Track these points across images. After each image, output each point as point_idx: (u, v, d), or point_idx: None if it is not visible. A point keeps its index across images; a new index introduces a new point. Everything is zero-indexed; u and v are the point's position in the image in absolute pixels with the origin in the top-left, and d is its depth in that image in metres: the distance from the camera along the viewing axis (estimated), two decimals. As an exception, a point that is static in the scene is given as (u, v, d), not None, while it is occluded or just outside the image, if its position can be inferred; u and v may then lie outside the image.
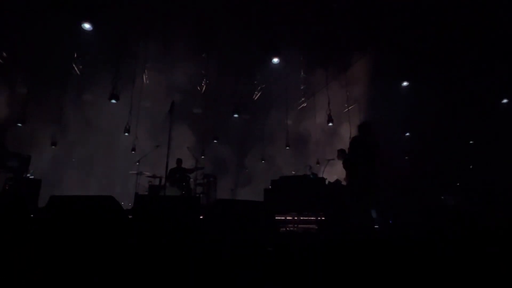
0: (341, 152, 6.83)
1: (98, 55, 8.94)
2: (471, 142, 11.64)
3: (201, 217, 3.73)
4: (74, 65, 9.80)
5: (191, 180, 8.12)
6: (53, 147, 10.11)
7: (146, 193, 7.55)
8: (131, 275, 1.99)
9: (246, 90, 11.28)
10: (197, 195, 7.80)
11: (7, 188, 6.21)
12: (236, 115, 9.84)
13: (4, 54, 9.15)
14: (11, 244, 2.08)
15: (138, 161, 7.95)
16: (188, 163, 8.29)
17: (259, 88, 11.38)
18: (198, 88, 11.02)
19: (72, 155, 10.75)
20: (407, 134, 11.38)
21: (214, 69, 10.17)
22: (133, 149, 9.60)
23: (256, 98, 11.76)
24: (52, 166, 9.96)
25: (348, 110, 10.65)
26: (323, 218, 6.34)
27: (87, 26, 6.63)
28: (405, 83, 9.76)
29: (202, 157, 11.15)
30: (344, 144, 9.42)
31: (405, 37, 8.27)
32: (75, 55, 9.55)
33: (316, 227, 6.37)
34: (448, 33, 7.95)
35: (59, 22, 7.84)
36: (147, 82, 10.59)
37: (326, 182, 6.94)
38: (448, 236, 4.85)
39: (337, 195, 6.93)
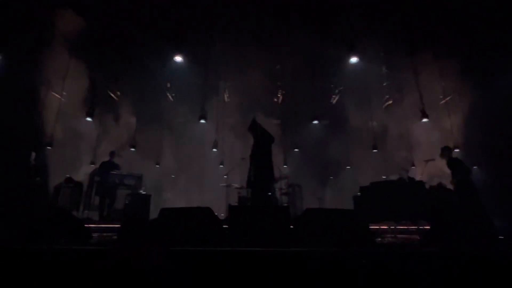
0: (445, 150, 5.91)
1: (187, 82, 10.02)
2: None
3: (291, 226, 3.71)
4: (167, 93, 11.26)
5: (276, 190, 8.23)
6: (157, 166, 11.71)
7: (236, 204, 7.96)
8: (227, 281, 2.08)
9: (324, 95, 11.00)
10: (284, 205, 7.83)
11: (126, 202, 7.44)
12: (315, 122, 9.65)
13: (118, 93, 11.19)
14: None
15: (227, 174, 8.50)
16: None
17: (337, 91, 10.95)
18: (275, 99, 11.27)
19: (171, 172, 12.25)
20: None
21: (289, 78, 10.27)
22: (221, 163, 10.35)
23: (334, 101, 11.34)
24: (157, 182, 11.54)
25: (445, 101, 9.26)
26: (427, 227, 5.58)
27: (178, 59, 7.52)
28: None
29: (285, 166, 11.24)
30: (445, 140, 8.20)
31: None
32: (168, 85, 10.99)
33: (419, 238, 5.64)
34: None
35: (155, 58, 9.22)
36: (229, 100, 11.38)
37: (427, 186, 6.11)
38: None
39: (443, 201, 6.02)
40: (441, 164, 6.39)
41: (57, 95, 9.54)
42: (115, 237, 4.32)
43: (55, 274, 2.13)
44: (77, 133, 10.05)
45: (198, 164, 12.09)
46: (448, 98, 9.54)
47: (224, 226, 3.53)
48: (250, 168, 4.93)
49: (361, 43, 7.94)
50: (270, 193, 7.82)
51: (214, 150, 10.19)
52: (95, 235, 4.64)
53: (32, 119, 8.41)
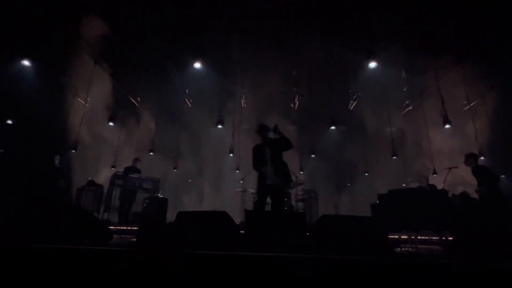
0: (470, 157, 5.68)
1: (205, 88, 10.20)
2: None
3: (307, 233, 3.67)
4: (186, 99, 11.50)
5: (292, 196, 8.17)
6: (175, 170, 11.93)
7: (251, 209, 7.96)
8: (242, 286, 2.08)
9: (341, 100, 10.87)
10: (300, 211, 7.75)
11: (145, 206, 7.62)
12: (333, 127, 9.55)
13: (139, 99, 11.54)
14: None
15: (242, 179, 8.53)
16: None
17: (354, 96, 10.80)
18: (292, 105, 11.26)
19: (188, 176, 12.44)
20: None
21: (306, 83, 10.24)
22: (237, 169, 10.40)
23: (352, 107, 11.18)
24: (175, 186, 11.74)
25: (469, 107, 8.92)
26: (450, 238, 5.36)
27: (197, 65, 7.68)
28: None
29: (301, 172, 11.15)
30: (469, 147, 7.88)
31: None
32: (186, 91, 11.22)
33: (441, 249, 5.43)
34: None
35: (174, 64, 9.46)
36: (245, 106, 11.48)
37: (450, 195, 5.87)
38: None
39: (467, 210, 5.77)
40: (465, 172, 6.13)
41: (81, 101, 9.98)
42: (134, 239, 4.43)
43: (69, 274, 2.20)
44: (100, 138, 10.43)
45: (214, 169, 12.22)
46: (472, 104, 9.19)
47: (241, 232, 3.54)
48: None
49: (380, 47, 7.81)
50: (285, 199, 7.80)
51: (231, 155, 10.28)
52: (115, 236, 4.77)
53: (58, 124, 8.82)
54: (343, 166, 12.19)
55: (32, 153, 7.16)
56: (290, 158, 10.45)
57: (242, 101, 11.34)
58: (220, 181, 12.03)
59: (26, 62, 7.50)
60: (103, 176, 9.17)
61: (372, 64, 7.44)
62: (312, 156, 11.39)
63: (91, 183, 7.64)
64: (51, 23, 7.35)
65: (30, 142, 7.61)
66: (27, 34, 7.39)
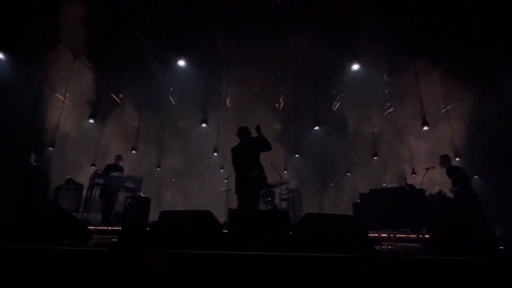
0: (445, 159, 5.93)
1: (189, 86, 10.09)
2: None
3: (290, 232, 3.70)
4: (170, 97, 11.33)
5: (276, 195, 8.23)
6: (158, 169, 11.73)
7: (235, 208, 7.94)
8: (225, 285, 2.09)
9: (325, 101, 11.05)
10: (283, 210, 7.81)
11: (126, 205, 7.45)
12: (316, 128, 9.69)
13: (121, 95, 11.26)
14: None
15: (227, 179, 8.51)
16: (271, 179, 8.47)
17: (338, 97, 11.00)
18: (276, 105, 11.33)
19: (172, 175, 12.27)
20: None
21: (291, 83, 10.33)
22: (222, 168, 10.36)
23: (335, 108, 11.39)
24: (158, 185, 11.55)
25: (446, 110, 9.28)
26: (426, 236, 5.56)
27: (181, 63, 7.58)
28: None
29: (285, 172, 11.25)
30: (446, 149, 8.20)
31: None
32: (171, 89, 11.05)
33: (418, 246, 5.62)
34: None
35: (158, 62, 9.30)
36: (230, 105, 11.45)
37: (427, 194, 6.10)
38: None
39: (443, 209, 6.01)
40: (442, 172, 6.40)
41: (60, 97, 9.62)
42: (115, 239, 4.33)
43: (55, 274, 2.14)
44: (79, 135, 10.10)
45: (198, 168, 12.11)
46: (450, 107, 9.56)
47: (224, 231, 3.53)
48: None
49: (364, 50, 8.00)
50: (269, 198, 7.85)
51: (215, 154, 10.24)
52: (95, 237, 4.65)
53: (35, 120, 8.46)
54: (327, 166, 12.38)
55: (8, 151, 6.84)
56: (275, 157, 10.56)
57: (227, 100, 11.30)
58: (204, 180, 11.94)
59: None
60: (83, 175, 8.89)
61: (356, 66, 7.62)
62: (296, 155, 11.52)
63: (70, 181, 7.38)
64: (28, 15, 7.05)
65: (4, 139, 7.26)
66: (2, 26, 7.05)
